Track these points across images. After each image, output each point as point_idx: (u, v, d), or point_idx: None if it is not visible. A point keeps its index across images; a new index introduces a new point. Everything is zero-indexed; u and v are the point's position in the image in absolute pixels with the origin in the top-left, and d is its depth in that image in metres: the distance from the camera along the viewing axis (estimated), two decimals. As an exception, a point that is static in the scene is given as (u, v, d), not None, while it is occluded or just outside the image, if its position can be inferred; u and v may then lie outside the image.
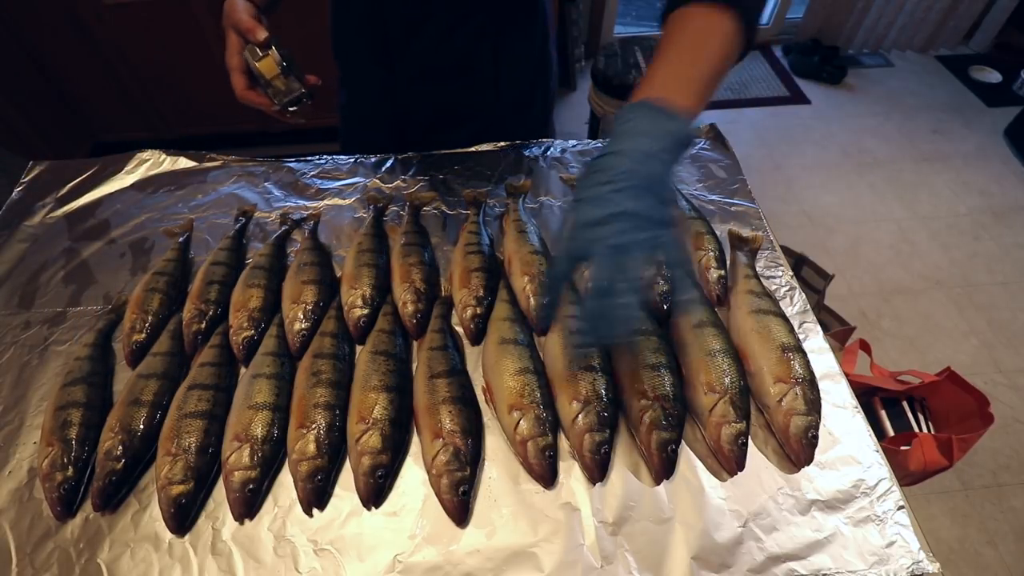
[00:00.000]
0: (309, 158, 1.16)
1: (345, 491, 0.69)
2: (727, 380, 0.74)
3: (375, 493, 0.67)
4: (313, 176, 1.13)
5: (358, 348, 0.82)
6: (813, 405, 0.72)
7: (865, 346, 1.52)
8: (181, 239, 0.99)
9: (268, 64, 0.85)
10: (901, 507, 0.67)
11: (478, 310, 0.84)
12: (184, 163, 1.15)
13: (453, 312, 0.88)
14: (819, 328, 0.86)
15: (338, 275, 0.92)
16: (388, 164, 1.15)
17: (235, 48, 0.83)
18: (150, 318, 0.85)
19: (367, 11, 1.02)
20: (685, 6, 0.68)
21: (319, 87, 0.88)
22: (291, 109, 0.87)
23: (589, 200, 0.58)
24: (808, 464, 0.70)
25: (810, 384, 0.74)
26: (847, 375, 0.81)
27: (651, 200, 0.57)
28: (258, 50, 0.84)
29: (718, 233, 0.96)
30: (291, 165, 1.15)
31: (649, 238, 0.56)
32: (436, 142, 1.17)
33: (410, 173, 1.13)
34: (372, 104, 1.19)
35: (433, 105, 1.15)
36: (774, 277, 0.93)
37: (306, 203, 1.08)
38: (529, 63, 1.13)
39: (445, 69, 1.08)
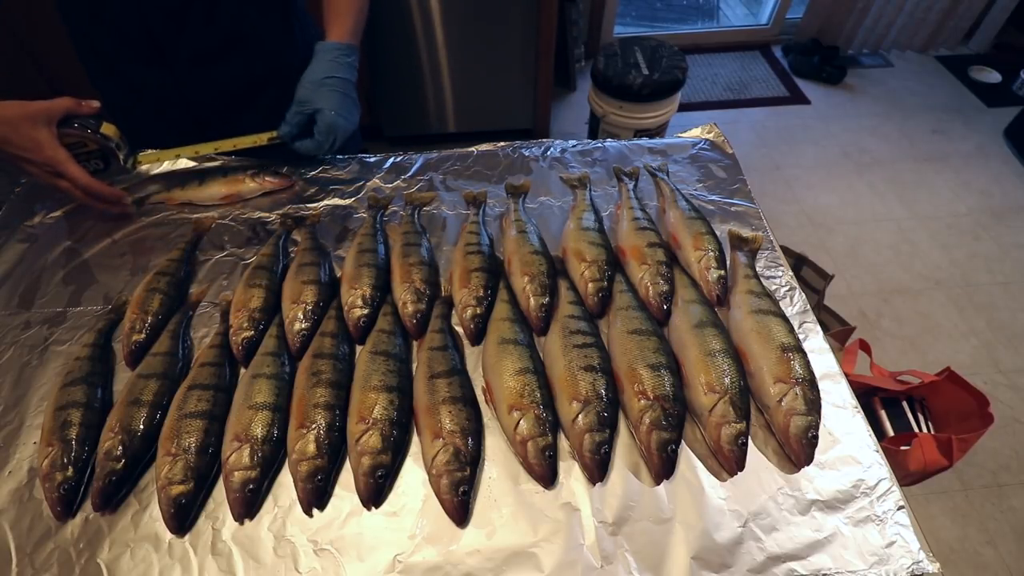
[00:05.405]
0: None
1: (345, 491, 0.69)
2: (727, 380, 0.74)
3: (375, 493, 0.67)
4: (313, 176, 1.13)
5: (358, 348, 0.82)
6: (813, 405, 0.72)
7: (865, 346, 1.52)
8: (189, 241, 1.00)
9: (110, 128, 0.97)
10: (901, 507, 0.67)
11: (478, 310, 0.84)
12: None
13: (453, 312, 0.88)
14: (819, 328, 0.86)
15: (338, 275, 0.92)
16: (388, 164, 1.15)
17: (61, 155, 0.90)
18: (150, 318, 0.85)
19: (123, 11, 1.02)
20: None
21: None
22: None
23: (331, 86, 1.04)
24: (808, 464, 0.70)
25: (810, 384, 0.74)
26: (847, 375, 0.81)
27: (353, 93, 1.08)
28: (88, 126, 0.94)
29: (718, 233, 0.96)
30: (291, 165, 1.15)
31: (352, 107, 1.07)
32: (233, 122, 1.11)
33: (410, 173, 1.13)
34: (145, 100, 1.18)
35: (218, 88, 1.16)
36: (774, 277, 0.93)
37: (306, 203, 1.08)
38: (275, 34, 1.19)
39: (220, 49, 1.11)
